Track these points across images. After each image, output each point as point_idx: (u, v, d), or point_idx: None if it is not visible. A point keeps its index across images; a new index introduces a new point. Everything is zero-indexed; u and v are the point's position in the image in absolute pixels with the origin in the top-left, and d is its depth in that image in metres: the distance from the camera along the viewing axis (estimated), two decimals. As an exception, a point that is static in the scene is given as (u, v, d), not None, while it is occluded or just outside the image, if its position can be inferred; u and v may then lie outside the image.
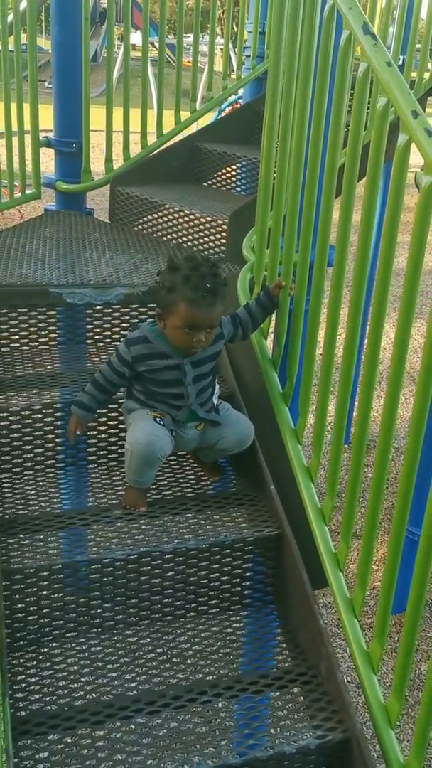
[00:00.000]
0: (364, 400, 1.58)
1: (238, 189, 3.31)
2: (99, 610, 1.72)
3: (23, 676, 1.57)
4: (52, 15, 2.97)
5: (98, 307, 2.33)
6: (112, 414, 2.06)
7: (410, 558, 1.39)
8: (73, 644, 1.68)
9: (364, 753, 1.45)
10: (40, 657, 1.64)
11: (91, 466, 2.07)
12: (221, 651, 1.70)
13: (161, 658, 1.66)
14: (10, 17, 2.91)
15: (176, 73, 3.30)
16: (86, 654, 1.66)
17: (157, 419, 1.83)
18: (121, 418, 2.04)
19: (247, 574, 1.83)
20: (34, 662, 1.62)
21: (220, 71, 3.56)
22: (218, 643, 1.72)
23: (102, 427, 2.07)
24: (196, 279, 1.73)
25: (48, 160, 3.27)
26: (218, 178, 3.35)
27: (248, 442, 1.94)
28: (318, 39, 1.66)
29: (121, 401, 2.00)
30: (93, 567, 1.69)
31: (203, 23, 3.78)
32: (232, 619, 1.81)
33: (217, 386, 2.00)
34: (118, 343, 2.33)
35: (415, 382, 1.40)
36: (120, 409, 2.03)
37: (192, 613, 1.80)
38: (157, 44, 5.01)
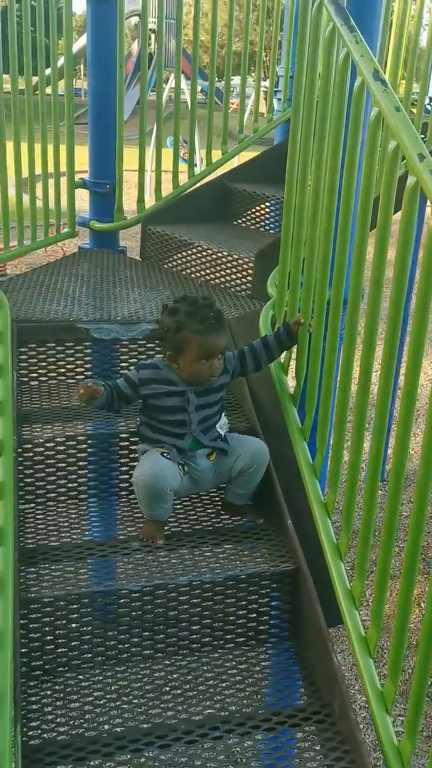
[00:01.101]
0: (377, 439, 1.59)
1: (269, 228, 3.37)
2: (114, 642, 1.74)
3: (38, 705, 1.60)
4: (88, 62, 3.11)
5: (125, 342, 2.38)
6: (133, 447, 2.10)
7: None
8: (88, 675, 1.70)
9: (376, 795, 1.43)
10: (56, 687, 1.66)
11: (111, 498, 2.10)
12: (235, 686, 1.70)
13: (175, 692, 1.66)
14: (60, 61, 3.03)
15: (208, 115, 3.39)
16: (100, 685, 1.67)
17: (164, 454, 1.88)
18: (130, 443, 2.09)
19: (263, 609, 1.83)
20: (49, 692, 1.64)
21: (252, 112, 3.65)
22: (231, 678, 1.72)
23: (123, 460, 2.10)
24: (199, 312, 1.86)
25: (83, 199, 3.38)
26: (248, 217, 3.42)
27: (265, 456, 1.96)
28: (334, 85, 1.71)
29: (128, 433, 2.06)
30: (110, 598, 1.72)
31: (237, 67, 3.89)
32: (247, 654, 1.81)
33: (226, 419, 2.04)
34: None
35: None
36: (136, 445, 2.07)
37: (207, 648, 1.81)
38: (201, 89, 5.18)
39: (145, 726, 1.58)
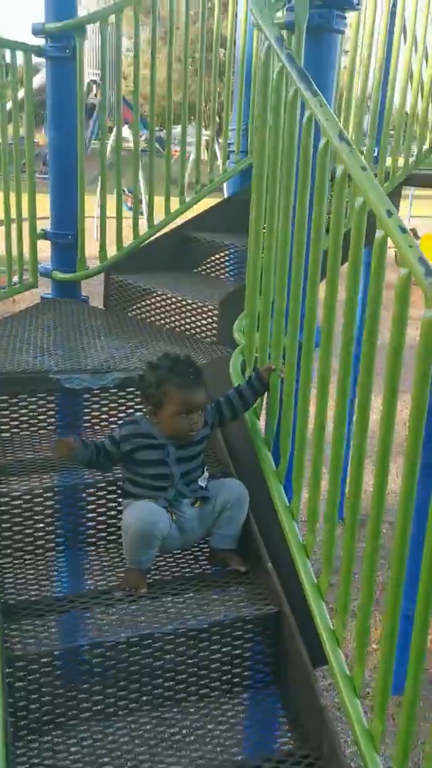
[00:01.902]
0: (355, 476, 1.64)
1: (227, 275, 3.45)
2: (100, 696, 1.72)
3: (26, 766, 1.56)
4: (48, 114, 3.17)
5: (96, 391, 2.40)
6: (111, 495, 2.11)
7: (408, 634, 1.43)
8: (75, 732, 1.67)
9: None
10: (44, 746, 1.63)
11: (89, 548, 2.10)
12: (224, 735, 1.70)
13: (164, 744, 1.65)
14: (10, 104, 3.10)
15: (165, 165, 3.49)
16: (89, 741, 1.65)
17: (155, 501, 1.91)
18: (119, 499, 2.09)
19: (248, 654, 1.84)
20: (36, 751, 1.61)
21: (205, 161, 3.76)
22: (220, 727, 1.72)
23: (101, 509, 2.11)
24: (180, 367, 1.95)
25: (42, 249, 3.41)
26: (207, 265, 3.49)
27: (243, 491, 2.00)
28: (298, 143, 1.81)
29: (119, 483, 2.07)
30: (95, 651, 1.71)
31: (190, 117, 4.02)
32: (233, 701, 1.81)
33: (206, 474, 2.06)
34: (115, 426, 2.42)
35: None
36: (118, 491, 2.09)
37: (193, 697, 1.80)
38: (144, 137, 5.27)
39: (136, 781, 1.56)
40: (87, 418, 2.45)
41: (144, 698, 1.76)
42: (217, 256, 3.46)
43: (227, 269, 3.44)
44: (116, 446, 1.95)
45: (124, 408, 2.46)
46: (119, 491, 2.09)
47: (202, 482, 2.02)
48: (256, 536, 1.98)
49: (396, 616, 1.51)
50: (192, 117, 3.60)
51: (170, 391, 1.90)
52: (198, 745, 1.65)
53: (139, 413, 2.06)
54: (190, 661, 1.79)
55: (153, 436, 1.95)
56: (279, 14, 2.25)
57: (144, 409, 2.01)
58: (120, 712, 1.74)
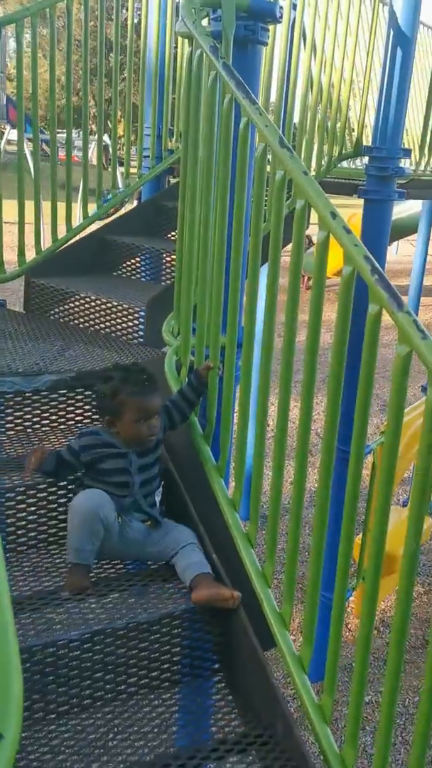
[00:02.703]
0: (299, 469, 1.73)
1: (145, 277, 3.49)
2: (54, 695, 1.72)
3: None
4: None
5: (28, 394, 2.38)
6: (51, 497, 2.10)
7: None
8: (32, 731, 1.66)
9: (328, 804, 1.52)
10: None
11: (31, 551, 2.08)
12: (178, 723, 1.74)
13: (121, 737, 1.68)
14: None
15: (83, 170, 3.49)
16: (45, 740, 1.65)
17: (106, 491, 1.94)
18: (61, 501, 2.09)
19: (197, 643, 1.88)
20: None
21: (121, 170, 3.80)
22: (175, 716, 1.76)
23: (41, 511, 2.10)
24: (133, 376, 2.00)
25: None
26: (126, 268, 3.52)
27: (190, 535, 1.99)
28: (234, 147, 1.88)
29: (60, 484, 2.07)
30: (48, 650, 1.71)
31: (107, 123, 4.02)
32: (184, 690, 1.85)
33: (162, 489, 2.09)
34: (47, 429, 2.41)
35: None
36: (59, 492, 2.09)
37: (144, 689, 1.83)
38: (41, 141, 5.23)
39: (98, 775, 1.58)
40: (18, 422, 2.41)
41: (97, 695, 1.77)
42: (135, 259, 3.50)
43: (145, 271, 3.48)
44: (75, 456, 1.98)
45: (56, 410, 2.45)
46: (59, 492, 2.09)
47: (158, 496, 2.05)
48: (198, 527, 2.03)
49: (344, 596, 1.61)
50: (108, 122, 3.61)
51: (127, 399, 1.95)
52: (155, 735, 1.69)
53: (97, 425, 2.07)
54: (142, 654, 1.82)
55: (114, 445, 1.98)
56: (204, 23, 2.32)
57: (100, 421, 2.04)
58: (73, 710, 1.74)
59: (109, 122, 4.04)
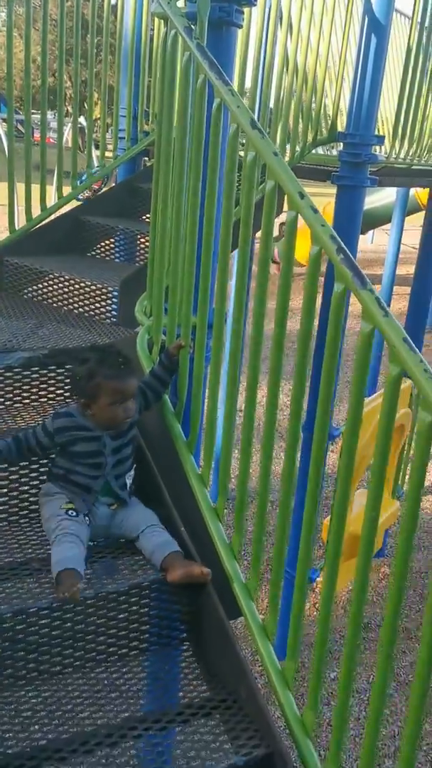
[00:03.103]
0: (266, 445, 1.78)
1: (120, 257, 3.51)
2: (23, 663, 1.76)
3: None
4: None
5: (0, 371, 2.40)
6: (23, 471, 2.13)
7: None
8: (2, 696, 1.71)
9: (288, 765, 1.58)
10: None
11: (2, 524, 2.11)
12: (145, 689, 1.79)
13: (89, 701, 1.72)
14: None
15: (58, 150, 3.49)
16: (14, 705, 1.69)
17: (70, 512, 1.94)
18: (32, 475, 2.12)
19: (164, 613, 1.93)
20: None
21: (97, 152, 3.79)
22: (143, 682, 1.81)
23: (13, 485, 2.13)
24: (110, 358, 2.00)
25: None
26: (101, 248, 3.54)
27: (154, 517, 2.02)
28: (207, 128, 1.91)
29: (33, 459, 2.10)
30: (18, 618, 1.74)
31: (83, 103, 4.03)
32: (152, 658, 1.90)
33: (133, 471, 2.11)
34: (20, 405, 2.43)
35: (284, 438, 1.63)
36: (31, 466, 2.12)
37: (113, 657, 1.88)
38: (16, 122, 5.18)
39: (65, 737, 1.62)
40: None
41: (66, 662, 1.81)
42: (109, 240, 3.51)
43: (119, 252, 3.50)
44: (50, 437, 1.98)
45: (28, 387, 2.47)
46: (32, 467, 2.13)
47: (128, 478, 2.07)
48: (168, 503, 2.08)
49: (306, 567, 1.67)
50: (84, 103, 3.61)
51: (103, 382, 1.95)
52: (122, 700, 1.74)
53: (72, 405, 2.06)
54: (111, 623, 1.86)
55: (88, 428, 1.99)
56: (180, 4, 2.34)
57: (76, 402, 2.03)
58: (42, 676, 1.78)
59: (85, 104, 4.02)
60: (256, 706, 1.69)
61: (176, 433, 2.14)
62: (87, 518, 1.98)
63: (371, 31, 3.19)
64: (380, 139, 3.40)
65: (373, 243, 15.54)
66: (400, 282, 9.08)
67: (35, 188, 3.27)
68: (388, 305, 6.25)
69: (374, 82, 3.26)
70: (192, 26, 1.97)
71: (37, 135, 4.76)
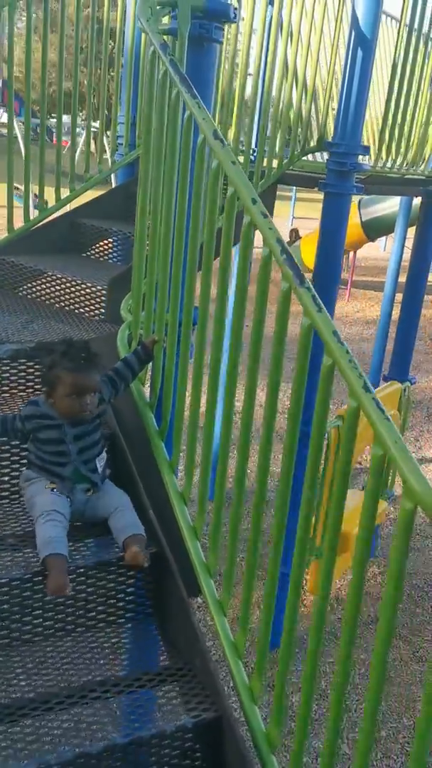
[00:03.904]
0: (225, 426, 1.91)
1: (115, 259, 3.66)
2: (-3, 629, 1.91)
3: None
4: None
5: (-11, 362, 2.55)
6: (4, 455, 2.28)
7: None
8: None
9: (234, 727, 1.71)
10: None
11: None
12: (108, 657, 1.93)
13: (54, 666, 1.86)
14: None
15: (56, 153, 3.65)
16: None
17: (54, 490, 2.07)
18: (14, 458, 2.27)
19: (130, 589, 2.07)
20: None
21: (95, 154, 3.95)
22: (105, 651, 1.95)
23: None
24: (72, 352, 2.08)
25: None
26: (95, 250, 3.69)
27: (125, 507, 2.12)
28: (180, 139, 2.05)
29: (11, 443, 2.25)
30: (-5, 588, 1.89)
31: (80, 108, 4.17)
32: (118, 630, 2.04)
33: (105, 455, 2.20)
34: (7, 395, 2.58)
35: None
36: (13, 450, 2.26)
37: (81, 628, 2.02)
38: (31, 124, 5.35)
39: (30, 695, 1.76)
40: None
41: (37, 630, 1.95)
42: (105, 241, 3.66)
43: (114, 254, 3.65)
44: (22, 422, 2.11)
45: (16, 378, 2.62)
46: (12, 450, 2.27)
47: (99, 462, 2.16)
48: (139, 487, 2.22)
49: (257, 549, 1.80)
50: (82, 108, 3.76)
51: (61, 374, 2.04)
52: (84, 666, 1.87)
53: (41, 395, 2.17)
54: (79, 596, 2.00)
55: (50, 417, 2.09)
56: (165, 19, 2.48)
57: (41, 391, 2.14)
58: (14, 643, 1.92)
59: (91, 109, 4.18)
60: (208, 674, 1.82)
61: (148, 421, 2.28)
62: (69, 499, 2.09)
63: (357, 44, 3.32)
64: (366, 149, 3.52)
65: (385, 250, 15.64)
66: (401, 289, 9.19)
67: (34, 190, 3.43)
68: (391, 311, 6.31)
69: (360, 93, 3.38)
70: (167, 42, 2.11)
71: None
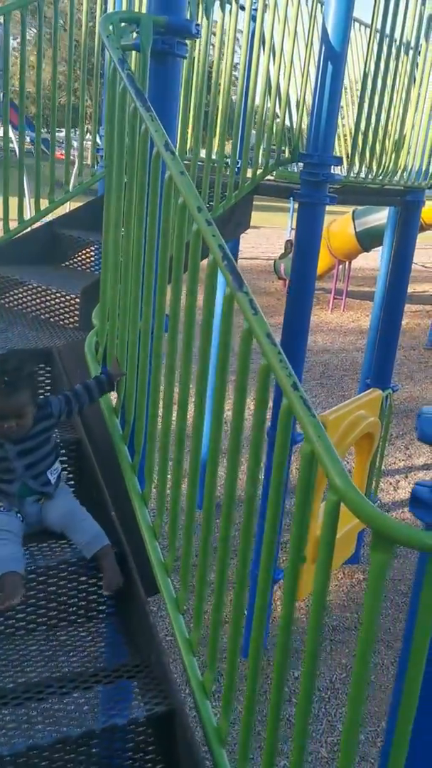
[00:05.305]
0: (179, 421, 1.97)
1: (94, 269, 3.72)
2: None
3: None
4: None
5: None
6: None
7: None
8: None
9: (185, 720, 1.76)
10: None
11: None
12: (69, 653, 1.97)
13: (15, 663, 1.91)
14: None
15: (35, 165, 3.72)
16: None
17: (2, 508, 2.08)
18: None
19: (92, 588, 2.12)
20: None
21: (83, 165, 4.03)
22: (66, 648, 1.99)
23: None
24: None
25: None
26: (75, 259, 3.76)
27: (77, 515, 2.13)
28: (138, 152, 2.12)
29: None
30: None
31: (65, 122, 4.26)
32: (79, 629, 2.08)
33: (59, 466, 2.20)
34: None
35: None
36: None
37: (42, 627, 2.06)
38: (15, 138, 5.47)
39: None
40: None
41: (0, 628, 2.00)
42: (84, 251, 3.73)
43: (93, 263, 3.72)
44: None
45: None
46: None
47: (51, 474, 2.14)
48: (102, 488, 2.27)
49: (206, 551, 1.85)
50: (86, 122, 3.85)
51: None
52: (43, 662, 1.92)
53: None
54: (40, 596, 2.05)
55: None
56: (134, 35, 2.55)
57: None
58: (-24, 641, 1.97)
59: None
60: (162, 669, 1.87)
61: (113, 427, 2.33)
62: (19, 515, 2.10)
63: (327, 59, 3.40)
64: (338, 160, 3.60)
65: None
66: (409, 300, 9.23)
67: (12, 201, 3.50)
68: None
69: (331, 105, 3.46)
70: (126, 57, 2.18)
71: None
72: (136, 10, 4.07)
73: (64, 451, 2.40)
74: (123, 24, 2.41)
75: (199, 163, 3.34)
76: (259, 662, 1.63)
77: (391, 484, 6.51)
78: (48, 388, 2.72)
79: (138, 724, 1.76)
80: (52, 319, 3.13)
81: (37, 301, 3.20)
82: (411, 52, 4.04)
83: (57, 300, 3.12)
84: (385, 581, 1.26)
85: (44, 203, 3.72)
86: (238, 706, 1.93)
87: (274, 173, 3.83)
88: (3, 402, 1.99)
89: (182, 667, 1.92)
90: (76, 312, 3.06)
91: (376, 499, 5.19)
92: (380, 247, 15.00)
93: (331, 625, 4.65)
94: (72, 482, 2.40)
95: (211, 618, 1.82)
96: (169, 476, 2.07)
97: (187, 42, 2.52)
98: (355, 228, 12.28)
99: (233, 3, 3.29)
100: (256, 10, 3.43)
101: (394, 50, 3.85)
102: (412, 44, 4.02)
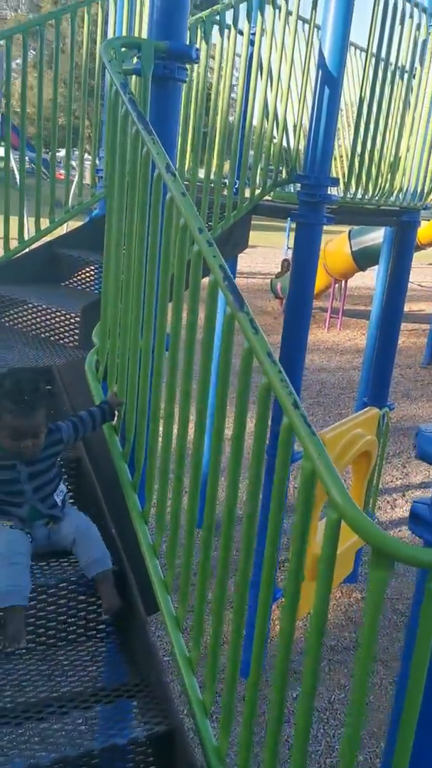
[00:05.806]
0: (180, 437, 1.98)
1: (94, 288, 3.75)
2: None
3: None
4: None
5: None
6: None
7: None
8: None
9: (184, 740, 1.76)
10: None
11: None
12: (67, 673, 1.97)
13: (14, 682, 1.90)
14: None
15: (36, 186, 3.76)
16: None
17: (12, 526, 2.08)
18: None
19: (92, 607, 2.12)
20: None
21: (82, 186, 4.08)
22: (65, 667, 1.99)
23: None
24: (16, 393, 1.99)
25: None
26: (75, 279, 3.79)
27: (91, 524, 2.16)
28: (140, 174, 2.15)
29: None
30: None
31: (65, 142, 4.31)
32: (78, 648, 2.08)
33: (64, 488, 2.21)
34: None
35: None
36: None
37: (42, 646, 2.06)
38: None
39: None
40: None
41: None
42: (84, 271, 3.76)
43: (93, 283, 3.75)
44: None
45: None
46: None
47: (57, 497, 2.15)
48: (102, 505, 2.28)
49: (207, 565, 1.85)
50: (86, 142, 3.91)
51: (2, 413, 1.97)
52: (43, 682, 1.91)
53: None
54: (40, 615, 2.05)
55: (3, 457, 2.04)
56: (135, 59, 2.60)
57: None
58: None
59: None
60: (162, 689, 1.87)
61: (113, 444, 2.34)
62: (29, 535, 2.10)
63: (324, 83, 3.45)
64: (335, 181, 3.64)
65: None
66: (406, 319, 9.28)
67: (13, 220, 3.54)
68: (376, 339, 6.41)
69: (328, 128, 3.51)
70: (128, 81, 2.22)
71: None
72: (136, 33, 4.14)
73: (64, 470, 2.42)
74: (124, 49, 2.45)
75: (198, 183, 3.39)
76: (258, 681, 1.63)
77: (388, 502, 6.51)
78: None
79: (138, 743, 1.76)
80: (52, 338, 3.15)
81: (38, 319, 3.22)
82: (406, 77, 4.10)
83: (57, 319, 3.14)
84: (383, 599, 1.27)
85: (44, 223, 3.76)
86: (237, 727, 1.92)
87: (272, 194, 3.88)
88: (23, 421, 1.97)
89: (180, 686, 1.92)
90: (76, 331, 3.09)
91: (373, 517, 5.19)
92: (376, 266, 15.20)
93: (329, 645, 4.63)
94: (72, 500, 2.40)
95: (211, 637, 1.82)
96: (169, 496, 2.08)
97: (187, 66, 2.56)
98: (351, 247, 12.36)
99: (232, 28, 3.35)
100: (254, 35, 3.49)
101: (389, 74, 3.91)
102: (407, 68, 4.09)
